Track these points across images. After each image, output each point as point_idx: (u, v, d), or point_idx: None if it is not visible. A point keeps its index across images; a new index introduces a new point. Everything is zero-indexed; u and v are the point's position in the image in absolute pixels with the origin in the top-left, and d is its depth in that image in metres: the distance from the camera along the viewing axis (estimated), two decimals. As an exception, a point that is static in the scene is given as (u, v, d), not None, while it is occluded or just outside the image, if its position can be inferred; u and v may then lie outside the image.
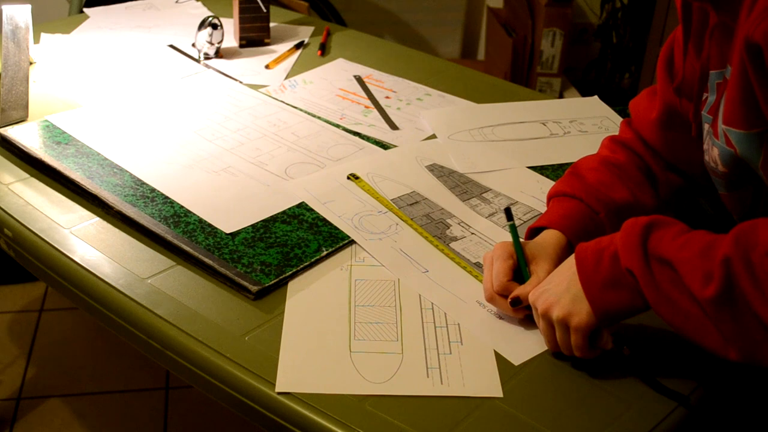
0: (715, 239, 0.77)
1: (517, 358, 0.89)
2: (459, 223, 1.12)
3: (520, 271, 0.95)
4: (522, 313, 0.93)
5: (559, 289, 0.86)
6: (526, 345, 0.91)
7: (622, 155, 1.06)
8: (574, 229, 0.98)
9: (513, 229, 0.98)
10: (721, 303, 0.74)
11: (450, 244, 1.07)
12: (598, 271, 0.83)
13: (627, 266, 0.80)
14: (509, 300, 0.92)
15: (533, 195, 1.19)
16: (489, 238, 1.09)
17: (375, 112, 1.46)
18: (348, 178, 1.20)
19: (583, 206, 1.00)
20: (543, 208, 1.15)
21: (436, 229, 1.10)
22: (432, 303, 0.97)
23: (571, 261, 0.87)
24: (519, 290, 0.92)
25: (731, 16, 0.85)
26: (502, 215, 1.13)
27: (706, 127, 0.94)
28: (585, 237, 0.93)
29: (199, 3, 1.96)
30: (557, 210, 1.01)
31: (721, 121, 0.86)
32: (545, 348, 0.90)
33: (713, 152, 0.90)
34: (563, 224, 0.99)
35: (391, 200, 1.16)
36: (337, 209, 1.13)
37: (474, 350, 0.90)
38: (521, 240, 0.98)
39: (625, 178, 1.03)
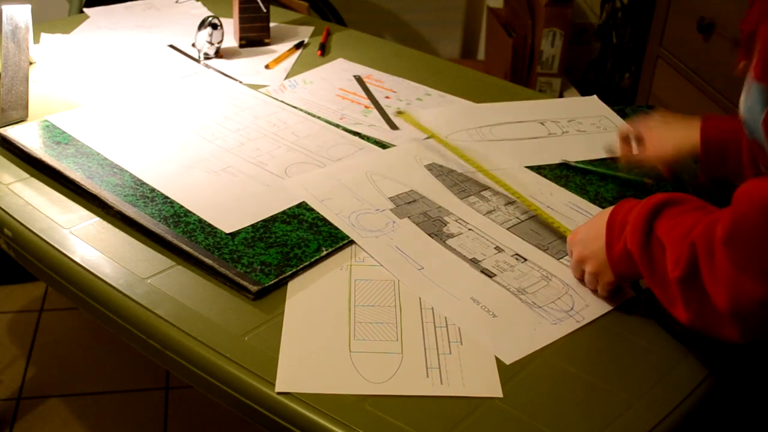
0: (699, 222, 0.79)
1: (508, 357, 0.89)
2: (456, 220, 1.12)
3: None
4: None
5: (593, 246, 0.95)
6: (518, 344, 0.91)
7: None
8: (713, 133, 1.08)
9: None
10: (685, 283, 0.78)
11: (447, 241, 1.07)
12: (618, 243, 0.89)
13: (630, 249, 0.86)
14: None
15: (531, 195, 1.19)
16: (486, 234, 1.09)
17: (375, 112, 1.46)
18: (396, 114, 1.39)
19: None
20: (541, 208, 1.16)
21: (433, 226, 1.10)
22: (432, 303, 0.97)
23: (606, 216, 0.93)
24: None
25: None
26: (501, 212, 1.14)
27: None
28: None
29: (199, 3, 1.96)
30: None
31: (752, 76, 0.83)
32: (538, 348, 0.90)
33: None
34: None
35: (389, 198, 1.16)
36: (335, 207, 1.13)
37: (474, 350, 0.90)
38: None
39: None
